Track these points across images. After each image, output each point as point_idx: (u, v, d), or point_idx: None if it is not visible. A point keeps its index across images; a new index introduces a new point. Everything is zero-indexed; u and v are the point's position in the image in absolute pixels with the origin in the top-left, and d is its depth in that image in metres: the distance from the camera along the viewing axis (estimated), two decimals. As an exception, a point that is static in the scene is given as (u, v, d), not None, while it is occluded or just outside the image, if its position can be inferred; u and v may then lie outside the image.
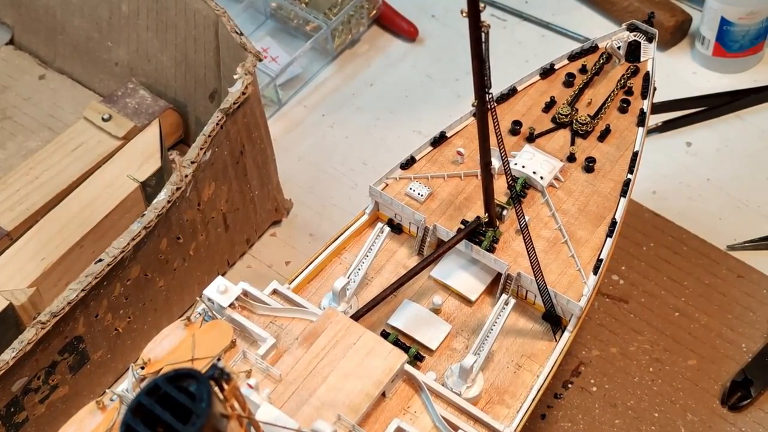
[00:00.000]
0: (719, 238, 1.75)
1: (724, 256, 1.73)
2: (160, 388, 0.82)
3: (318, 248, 1.45)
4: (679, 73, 2.00)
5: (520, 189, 1.45)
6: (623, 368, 1.59)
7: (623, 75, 1.57)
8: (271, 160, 1.71)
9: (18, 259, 1.56)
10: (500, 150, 1.31)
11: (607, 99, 1.55)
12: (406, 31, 2.08)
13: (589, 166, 1.49)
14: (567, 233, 1.41)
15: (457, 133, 1.52)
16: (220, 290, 1.30)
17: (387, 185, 1.47)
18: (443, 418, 1.24)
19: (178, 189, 1.46)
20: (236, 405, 0.87)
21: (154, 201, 1.45)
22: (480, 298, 1.41)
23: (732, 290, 1.68)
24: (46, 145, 1.74)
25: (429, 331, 1.36)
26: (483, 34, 1.15)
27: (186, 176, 1.47)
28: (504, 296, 1.34)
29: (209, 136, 1.50)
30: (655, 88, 1.57)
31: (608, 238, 1.41)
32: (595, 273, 1.37)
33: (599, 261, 1.38)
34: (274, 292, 1.37)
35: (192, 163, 1.48)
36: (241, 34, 1.58)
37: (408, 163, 1.49)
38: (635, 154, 1.49)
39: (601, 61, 1.59)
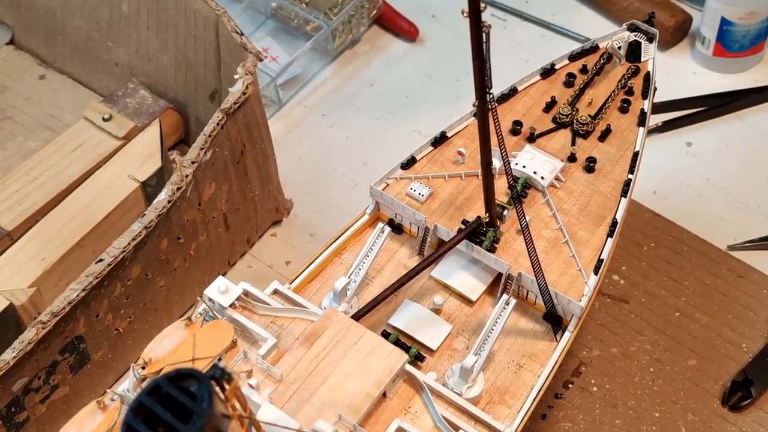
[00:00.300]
0: (719, 238, 1.75)
1: (725, 256, 1.73)
2: (161, 388, 0.82)
3: (318, 248, 1.45)
4: (679, 73, 2.01)
5: (521, 189, 1.45)
6: (624, 368, 1.59)
7: (624, 75, 1.57)
8: (272, 160, 1.71)
9: (18, 259, 1.56)
10: (501, 150, 1.31)
11: (607, 99, 1.55)
12: (407, 31, 2.08)
13: (590, 166, 1.49)
14: (568, 233, 1.41)
15: (457, 133, 1.52)
16: (221, 290, 1.30)
17: (387, 185, 1.47)
18: (444, 418, 1.24)
19: (178, 189, 1.46)
20: (237, 405, 0.87)
21: (155, 201, 1.45)
22: (481, 298, 1.41)
23: (732, 290, 1.68)
24: (47, 145, 1.74)
25: (430, 331, 1.36)
26: (484, 34, 1.15)
27: (186, 176, 1.47)
28: (505, 296, 1.33)
29: (210, 136, 1.50)
30: (655, 88, 1.57)
31: (609, 238, 1.40)
32: (596, 273, 1.37)
33: (600, 261, 1.38)
34: (275, 292, 1.36)
35: (192, 163, 1.48)
36: (242, 34, 1.58)
37: (409, 163, 1.48)
38: (636, 154, 1.49)
39: (602, 61, 1.59)
